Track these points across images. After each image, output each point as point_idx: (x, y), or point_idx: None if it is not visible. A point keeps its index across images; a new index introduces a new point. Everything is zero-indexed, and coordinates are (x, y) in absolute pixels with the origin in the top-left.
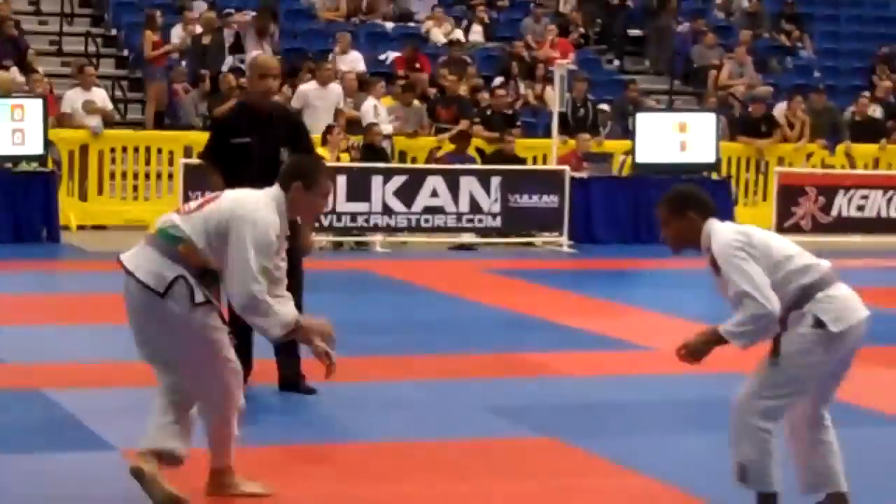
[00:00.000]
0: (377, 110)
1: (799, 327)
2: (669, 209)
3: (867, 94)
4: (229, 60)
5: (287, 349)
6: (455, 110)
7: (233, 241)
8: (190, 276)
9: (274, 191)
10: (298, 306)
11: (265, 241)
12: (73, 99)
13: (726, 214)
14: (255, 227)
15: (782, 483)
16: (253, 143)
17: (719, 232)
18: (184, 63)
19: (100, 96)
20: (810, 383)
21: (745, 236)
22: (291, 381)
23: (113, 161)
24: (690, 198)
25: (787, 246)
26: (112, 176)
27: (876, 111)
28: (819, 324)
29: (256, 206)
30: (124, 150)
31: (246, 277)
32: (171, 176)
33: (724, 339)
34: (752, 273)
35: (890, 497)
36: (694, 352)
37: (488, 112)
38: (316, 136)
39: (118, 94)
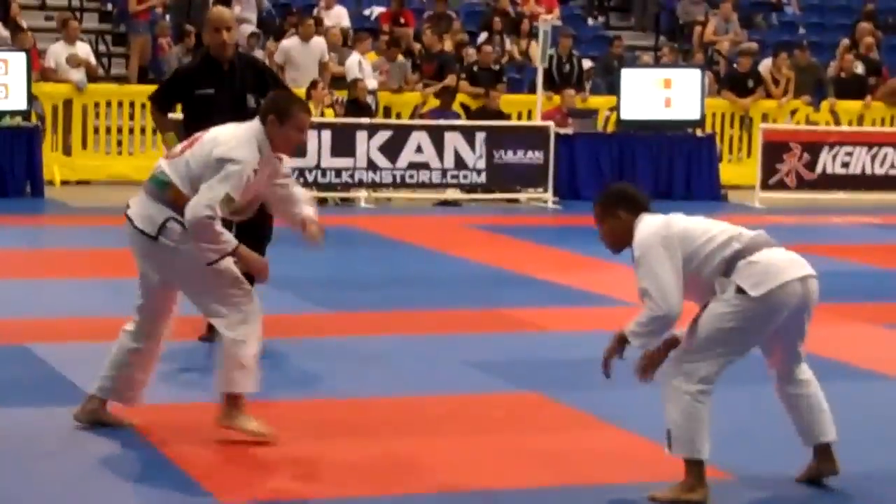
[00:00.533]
0: (362, 66)
1: (723, 294)
2: (601, 209)
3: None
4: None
5: None
6: (437, 66)
7: (207, 176)
8: (179, 216)
9: (255, 124)
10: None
11: (237, 174)
12: (57, 53)
13: (711, 171)
14: (231, 165)
15: (709, 451)
16: (215, 94)
17: (641, 229)
18: (167, 17)
19: (83, 50)
20: (738, 346)
21: (665, 229)
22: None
23: (97, 116)
24: (620, 197)
25: (708, 227)
26: (96, 131)
27: (858, 67)
28: (740, 290)
29: (232, 145)
30: (108, 104)
31: (203, 200)
32: (155, 130)
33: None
34: (659, 273)
35: (870, 450)
36: (641, 367)
37: (475, 69)
38: (300, 91)
39: (102, 48)
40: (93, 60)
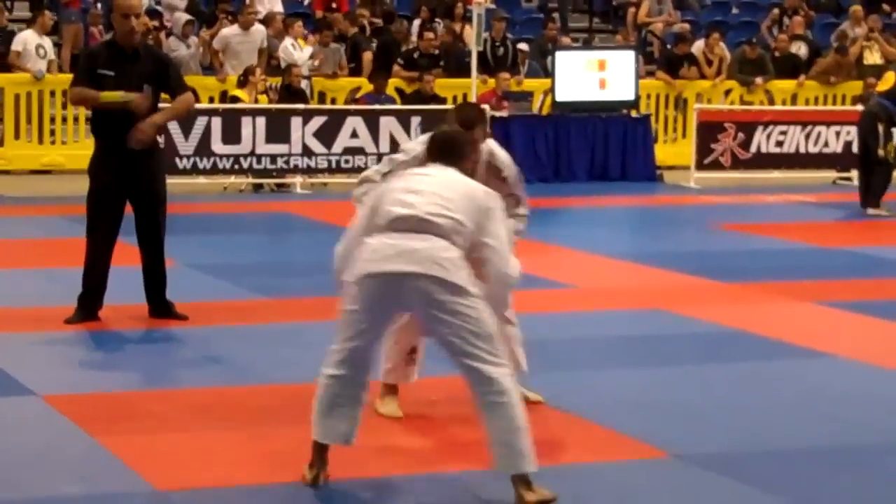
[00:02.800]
0: (295, 48)
1: None
2: None
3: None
4: (145, 2)
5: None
6: (375, 50)
7: None
8: None
9: None
10: (160, 253)
11: None
12: (25, 40)
13: (646, 151)
14: None
15: (326, 436)
16: (115, 77)
17: None
18: (99, 5)
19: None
20: (351, 330)
21: (375, 174)
22: (164, 310)
23: (28, 105)
24: None
25: (403, 186)
26: (28, 120)
27: (800, 48)
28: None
29: None
30: (40, 93)
31: None
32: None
33: None
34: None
35: (806, 427)
36: None
37: (415, 55)
38: (233, 78)
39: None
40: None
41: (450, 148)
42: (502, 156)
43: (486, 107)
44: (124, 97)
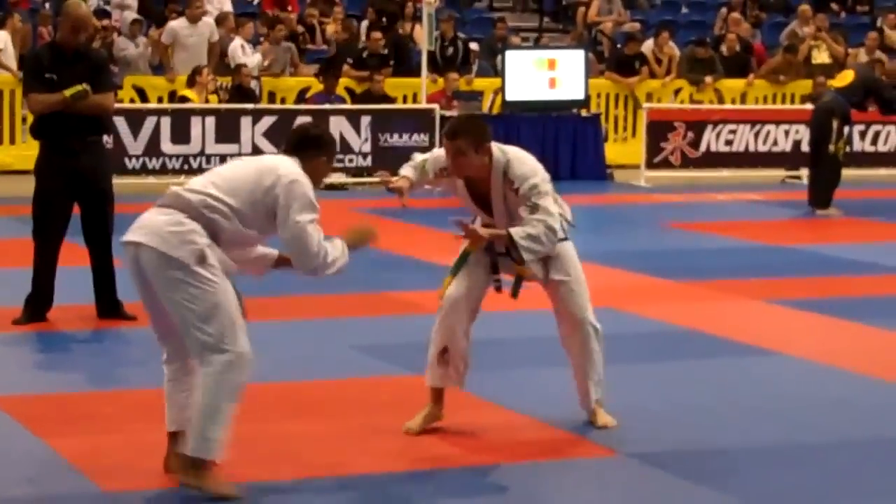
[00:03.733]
0: (245, 50)
1: None
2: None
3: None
4: (93, 2)
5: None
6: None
7: None
8: None
9: None
10: (109, 252)
11: None
12: (3, 40)
13: (597, 150)
14: None
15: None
16: (58, 80)
17: None
18: (48, 5)
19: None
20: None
21: None
22: (114, 311)
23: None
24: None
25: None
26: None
27: (822, 53)
28: None
29: None
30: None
31: None
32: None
33: None
34: None
35: (752, 425)
36: None
37: (364, 54)
38: (182, 78)
39: None
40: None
41: (296, 139)
42: (517, 169)
43: (435, 106)
44: (87, 89)
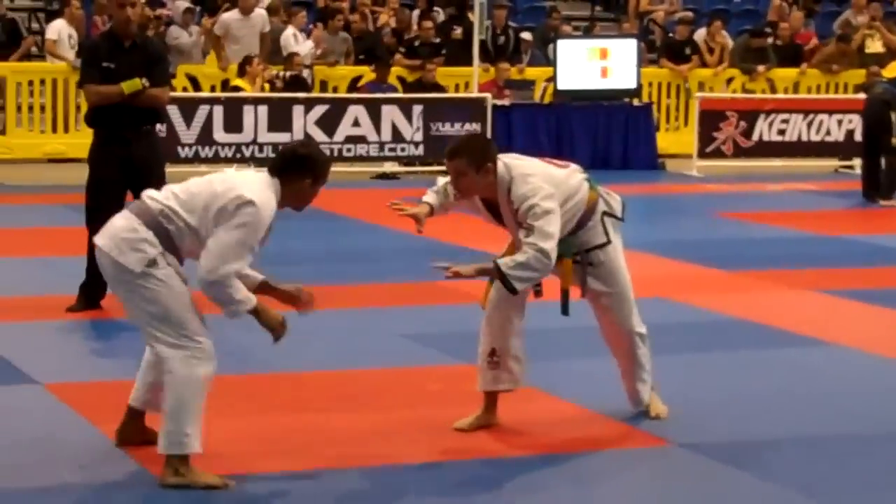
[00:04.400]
0: (297, 39)
1: None
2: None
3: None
4: None
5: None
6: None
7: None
8: None
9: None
10: None
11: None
12: (59, 29)
13: (648, 140)
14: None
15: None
16: (115, 70)
17: None
18: None
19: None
20: None
21: None
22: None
23: (31, 94)
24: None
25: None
26: (31, 109)
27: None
28: None
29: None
30: (42, 82)
31: None
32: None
33: None
34: None
35: (804, 415)
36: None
37: (416, 43)
38: (234, 67)
39: (35, 25)
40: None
41: (279, 159)
42: (517, 189)
43: (487, 95)
44: (143, 82)
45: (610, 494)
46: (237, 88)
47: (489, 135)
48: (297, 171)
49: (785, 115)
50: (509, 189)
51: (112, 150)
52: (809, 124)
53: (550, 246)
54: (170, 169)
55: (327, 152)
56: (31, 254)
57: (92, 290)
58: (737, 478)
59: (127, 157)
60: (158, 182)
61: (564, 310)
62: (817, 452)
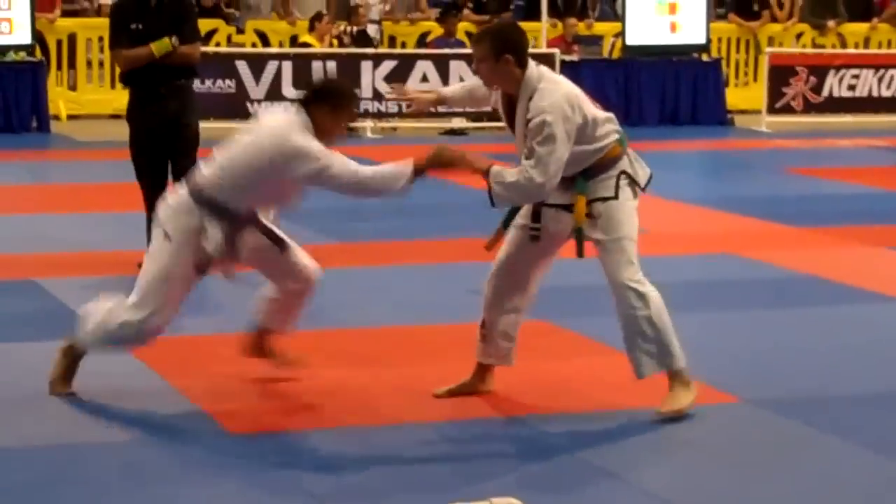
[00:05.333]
0: None
1: None
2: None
3: None
4: None
5: None
6: None
7: None
8: None
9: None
10: None
11: None
12: None
13: (718, 95)
14: None
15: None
16: (144, 29)
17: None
18: None
19: None
20: None
21: None
22: None
23: (101, 50)
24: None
25: None
26: (101, 65)
27: None
28: None
29: None
30: None
31: None
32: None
33: None
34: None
35: (876, 372)
36: None
37: None
38: (304, 23)
39: None
40: None
41: (304, 93)
42: (538, 100)
43: (555, 51)
44: (173, 42)
45: (681, 451)
46: (306, 45)
47: None
48: (317, 101)
49: (855, 71)
50: (531, 96)
51: (147, 108)
52: (880, 79)
53: (545, 179)
54: (240, 125)
55: (395, 108)
56: (104, 209)
57: None
58: (807, 434)
59: (163, 112)
60: (192, 137)
61: (580, 251)
62: (887, 409)
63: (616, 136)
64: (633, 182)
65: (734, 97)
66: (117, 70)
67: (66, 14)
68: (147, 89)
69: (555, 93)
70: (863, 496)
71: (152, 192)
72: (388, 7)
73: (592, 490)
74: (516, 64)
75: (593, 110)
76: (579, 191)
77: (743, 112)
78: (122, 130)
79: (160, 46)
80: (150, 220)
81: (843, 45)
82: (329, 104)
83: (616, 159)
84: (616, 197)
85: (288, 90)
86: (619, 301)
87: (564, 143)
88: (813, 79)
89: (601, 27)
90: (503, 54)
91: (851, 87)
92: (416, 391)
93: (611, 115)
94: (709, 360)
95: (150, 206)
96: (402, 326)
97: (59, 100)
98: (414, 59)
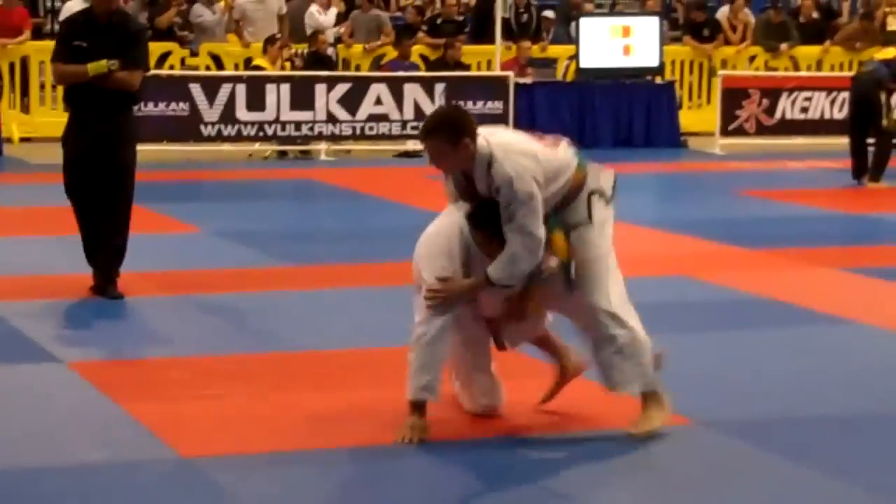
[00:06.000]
0: (319, 17)
1: None
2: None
3: None
4: None
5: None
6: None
7: None
8: None
9: None
10: (119, 225)
11: None
12: (71, 9)
13: (671, 118)
14: None
15: None
16: (88, 48)
17: None
18: None
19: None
20: None
21: None
22: (102, 288)
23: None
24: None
25: None
26: (54, 87)
27: (814, 12)
28: None
29: None
30: None
31: None
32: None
33: None
34: None
35: (829, 394)
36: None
37: (438, 21)
38: (258, 46)
39: (58, 3)
40: None
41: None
42: (499, 168)
43: (509, 74)
44: (110, 65)
45: (628, 473)
46: (259, 67)
47: (511, 113)
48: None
49: (808, 93)
50: (490, 164)
51: (82, 130)
52: (832, 102)
53: (536, 230)
54: (193, 147)
55: (349, 131)
56: (56, 233)
57: (98, 262)
58: (760, 458)
59: (96, 136)
60: (124, 162)
61: (569, 282)
62: (844, 432)
63: (575, 162)
64: (601, 195)
65: (688, 119)
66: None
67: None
68: (82, 112)
69: (510, 154)
70: None
71: (82, 215)
72: (342, 30)
73: None
74: (472, 142)
75: (545, 151)
76: (555, 226)
77: (696, 134)
78: None
79: (95, 67)
80: (84, 243)
81: (796, 67)
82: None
83: (581, 183)
84: (590, 220)
85: (242, 113)
86: (590, 320)
87: (538, 193)
88: (766, 101)
89: (555, 50)
90: (461, 140)
91: (804, 110)
92: (375, 414)
93: (563, 140)
94: (662, 382)
95: (83, 229)
96: (361, 349)
97: (12, 122)
98: (368, 81)
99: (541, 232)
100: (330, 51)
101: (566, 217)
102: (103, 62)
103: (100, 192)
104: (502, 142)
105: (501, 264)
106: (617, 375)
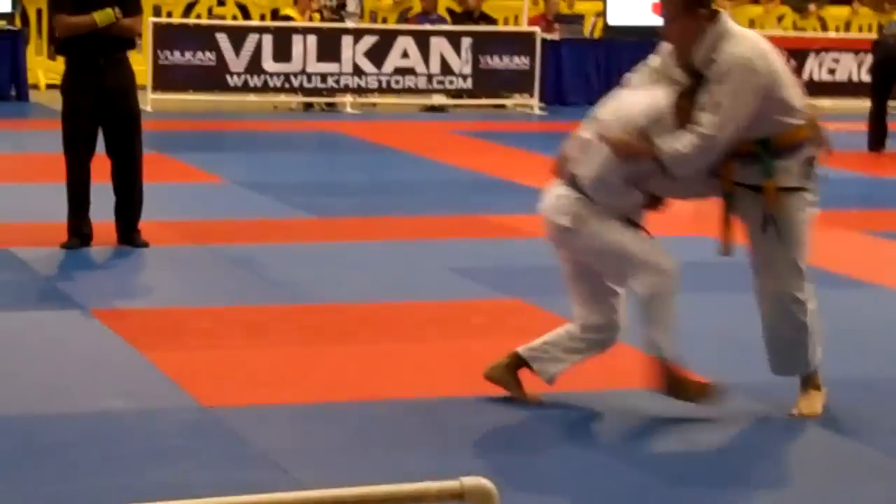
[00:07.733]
0: None
1: None
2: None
3: None
4: None
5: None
6: None
7: None
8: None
9: None
10: (133, 173)
11: None
12: None
13: None
14: None
15: None
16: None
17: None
18: None
19: None
20: None
21: None
22: (127, 236)
23: None
24: None
25: None
26: None
27: None
28: None
29: None
30: None
31: None
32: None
33: None
34: None
35: (851, 358)
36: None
37: None
38: None
39: None
40: None
41: None
42: (734, 47)
43: (536, 29)
44: (117, 14)
45: (651, 431)
46: (287, 17)
47: (537, 70)
48: None
49: (835, 55)
50: (715, 43)
51: (84, 78)
52: (860, 64)
53: (717, 132)
54: (218, 97)
55: (375, 84)
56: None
57: (79, 218)
58: (777, 418)
59: (99, 84)
60: (132, 110)
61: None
62: (860, 394)
63: (809, 118)
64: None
65: None
66: None
67: None
68: (85, 60)
69: (744, 41)
70: (844, 480)
71: (78, 164)
72: None
73: (566, 471)
74: (707, 17)
75: (789, 75)
76: (766, 173)
77: None
78: None
79: (103, 16)
80: (71, 191)
81: (824, 28)
82: None
83: (801, 142)
84: (804, 188)
85: (268, 63)
86: (776, 307)
87: (747, 98)
88: (793, 62)
89: (582, 6)
90: (696, 8)
91: (831, 71)
92: (390, 368)
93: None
94: (681, 342)
95: (73, 179)
96: (380, 303)
97: (39, 69)
98: (395, 34)
99: (720, 135)
100: (354, 3)
101: (777, 169)
102: (109, 10)
103: (107, 138)
104: (744, 32)
105: (672, 150)
106: (792, 359)
